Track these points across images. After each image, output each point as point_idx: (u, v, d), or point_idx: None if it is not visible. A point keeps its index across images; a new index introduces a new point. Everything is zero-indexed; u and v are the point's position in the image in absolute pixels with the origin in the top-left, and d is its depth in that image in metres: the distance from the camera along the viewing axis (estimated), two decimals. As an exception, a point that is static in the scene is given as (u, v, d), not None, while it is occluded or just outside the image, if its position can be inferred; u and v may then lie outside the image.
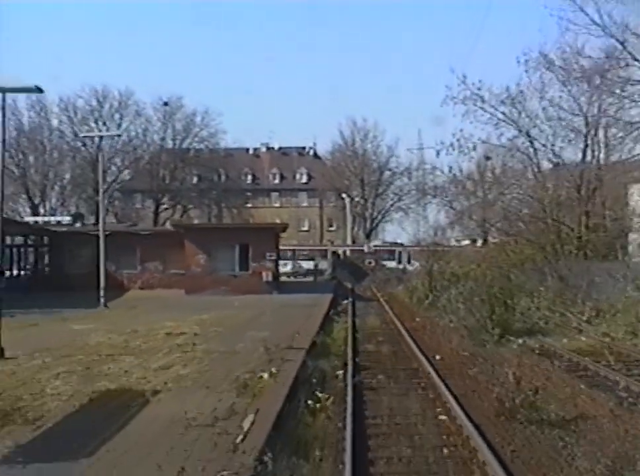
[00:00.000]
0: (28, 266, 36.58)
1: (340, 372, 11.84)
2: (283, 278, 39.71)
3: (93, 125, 63.06)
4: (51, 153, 64.55)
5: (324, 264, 51.68)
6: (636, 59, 22.32)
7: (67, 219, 46.01)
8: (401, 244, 58.54)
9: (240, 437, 7.06)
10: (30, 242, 36.64)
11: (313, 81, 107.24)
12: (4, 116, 13.01)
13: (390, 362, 13.96)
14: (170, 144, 64.93)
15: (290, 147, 79.83)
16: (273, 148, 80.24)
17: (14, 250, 34.85)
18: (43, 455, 6.57)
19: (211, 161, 64.97)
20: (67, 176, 66.45)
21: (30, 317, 19.47)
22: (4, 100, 12.41)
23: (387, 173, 70.11)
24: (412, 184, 67.19)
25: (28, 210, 63.28)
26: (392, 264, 53.74)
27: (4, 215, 15.61)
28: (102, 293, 23.87)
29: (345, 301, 28.61)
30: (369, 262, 51.76)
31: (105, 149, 63.08)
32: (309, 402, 9.30)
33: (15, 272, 34.14)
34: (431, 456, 7.54)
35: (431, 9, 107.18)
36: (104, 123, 63.50)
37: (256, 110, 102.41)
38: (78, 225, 41.91)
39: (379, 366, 13.28)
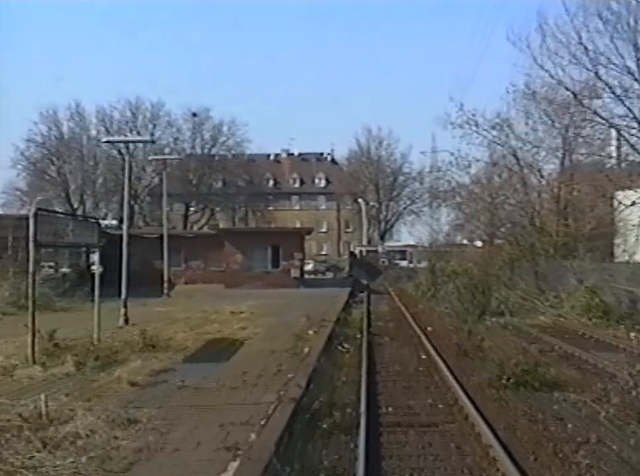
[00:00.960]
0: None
1: (358, 335, 17.56)
2: (305, 276, 45.47)
3: (128, 134, 69.23)
4: (88, 160, 70.68)
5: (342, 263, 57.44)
6: (598, 97, 27.76)
7: (113, 222, 52.04)
8: (413, 246, 64.08)
9: (304, 356, 12.83)
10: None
11: (330, 89, 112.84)
12: (130, 169, 18.77)
13: (394, 331, 19.70)
14: (198, 152, 70.78)
15: (309, 153, 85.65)
16: (293, 154, 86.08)
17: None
18: (200, 362, 12.34)
19: (236, 167, 70.92)
20: (101, 181, 72.33)
21: (116, 303, 25.30)
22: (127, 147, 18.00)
23: (401, 178, 75.71)
24: (423, 189, 72.66)
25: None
26: (404, 263, 59.50)
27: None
28: (165, 285, 29.79)
29: (361, 294, 34.28)
30: (383, 262, 57.33)
31: (139, 157, 69.77)
32: (339, 348, 15.04)
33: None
34: (412, 370, 13.27)
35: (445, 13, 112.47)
36: (138, 133, 69.60)
37: (277, 117, 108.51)
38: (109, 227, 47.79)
39: (386, 333, 19.02)
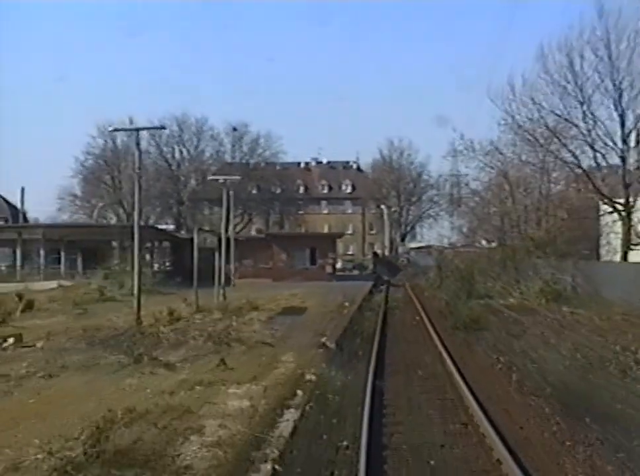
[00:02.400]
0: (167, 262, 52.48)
1: (377, 308, 26.85)
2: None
3: (175, 147, 79.40)
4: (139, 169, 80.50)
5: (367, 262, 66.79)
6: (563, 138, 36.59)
7: (171, 227, 61.80)
8: (429, 246, 73.09)
9: (345, 314, 22.18)
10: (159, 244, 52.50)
11: (356, 101, 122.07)
12: (140, 153, 28.22)
13: (402, 307, 29.02)
14: (237, 161, 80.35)
15: (336, 161, 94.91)
16: (322, 162, 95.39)
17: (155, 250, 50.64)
18: (287, 315, 21.72)
19: (270, 175, 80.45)
20: (145, 187, 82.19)
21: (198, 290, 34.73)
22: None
23: (420, 185, 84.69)
24: (441, 195, 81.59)
25: (124, 218, 79.50)
26: (430, 261, 68.67)
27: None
28: (232, 277, 39.33)
29: (381, 286, 43.52)
30: (402, 261, 66.57)
31: (186, 165, 79.95)
32: (366, 313, 24.38)
33: (156, 267, 49.95)
34: (409, 324, 22.54)
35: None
36: (184, 145, 79.62)
37: (306, 128, 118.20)
38: (183, 231, 57.71)
39: (397, 308, 28.35)
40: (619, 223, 34.50)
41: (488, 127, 59.09)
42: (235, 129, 79.90)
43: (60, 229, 47.70)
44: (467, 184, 46.43)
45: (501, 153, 40.86)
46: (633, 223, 32.52)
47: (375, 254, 68.89)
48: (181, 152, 79.98)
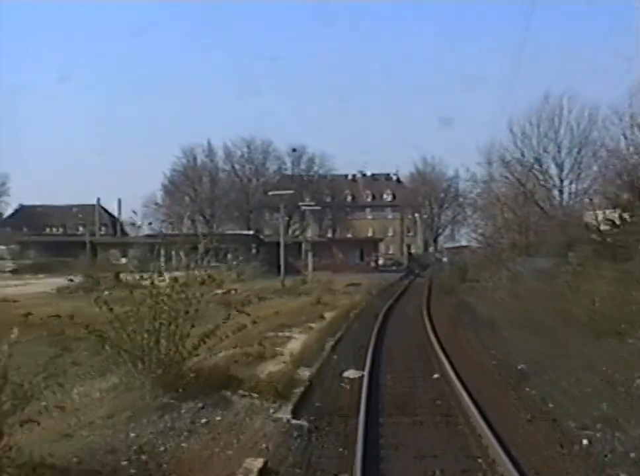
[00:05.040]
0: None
1: (403, 285, 45.59)
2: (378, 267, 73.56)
3: (245, 165, 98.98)
4: (215, 183, 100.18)
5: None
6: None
7: (250, 232, 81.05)
8: (464, 247, 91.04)
9: (381, 286, 41.10)
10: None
11: (397, 119, 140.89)
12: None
13: (419, 286, 47.69)
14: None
15: (379, 174, 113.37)
16: (366, 175, 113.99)
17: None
18: (350, 286, 40.62)
19: (323, 186, 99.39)
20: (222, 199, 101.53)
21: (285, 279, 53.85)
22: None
23: (449, 195, 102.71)
24: (465, 204, 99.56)
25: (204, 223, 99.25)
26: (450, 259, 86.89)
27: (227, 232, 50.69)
28: (309, 271, 58.22)
29: (411, 277, 62.10)
30: (432, 258, 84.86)
31: (253, 180, 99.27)
32: (394, 287, 43.20)
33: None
34: (419, 292, 41.23)
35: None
36: (253, 163, 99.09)
37: (353, 143, 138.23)
38: (262, 236, 76.87)
39: (416, 286, 47.04)
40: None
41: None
42: (294, 150, 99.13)
43: (190, 237, 67.31)
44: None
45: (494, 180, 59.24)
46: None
47: (409, 253, 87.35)
48: (250, 169, 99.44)
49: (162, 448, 7.48)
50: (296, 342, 16.45)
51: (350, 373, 12.97)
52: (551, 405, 10.26)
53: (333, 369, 13.64)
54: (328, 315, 24.18)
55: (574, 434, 8.67)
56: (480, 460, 7.99)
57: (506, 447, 8.09)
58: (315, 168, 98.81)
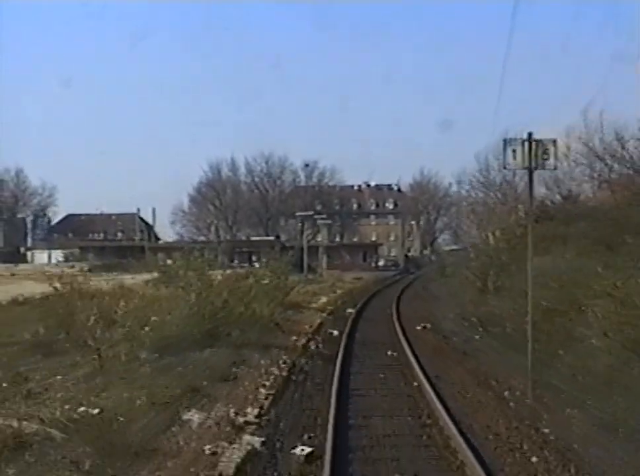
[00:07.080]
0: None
1: (397, 279, 61.05)
2: (379, 267, 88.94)
3: (264, 178, 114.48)
4: (237, 195, 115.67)
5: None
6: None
7: (271, 238, 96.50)
8: (454, 249, 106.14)
9: (380, 280, 56.61)
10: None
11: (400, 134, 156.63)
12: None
13: (408, 280, 63.18)
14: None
15: (382, 184, 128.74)
16: (370, 185, 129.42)
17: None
18: (355, 280, 56.11)
19: (332, 196, 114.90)
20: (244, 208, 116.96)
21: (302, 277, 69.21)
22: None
23: (445, 203, 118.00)
24: (460, 212, 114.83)
25: (227, 230, 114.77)
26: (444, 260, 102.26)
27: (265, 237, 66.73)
28: (322, 270, 73.52)
29: (405, 274, 77.43)
30: (426, 260, 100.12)
31: (270, 192, 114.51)
32: (388, 281, 58.71)
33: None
34: (407, 282, 56.68)
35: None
36: (271, 176, 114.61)
37: (358, 156, 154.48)
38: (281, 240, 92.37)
39: (401, 281, 62.57)
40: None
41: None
42: (307, 165, 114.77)
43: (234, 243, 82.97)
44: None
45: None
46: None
47: (406, 255, 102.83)
48: (268, 181, 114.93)
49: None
50: (324, 299, 32.79)
51: (350, 310, 28.60)
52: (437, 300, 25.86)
53: (342, 308, 29.55)
54: (339, 292, 39.94)
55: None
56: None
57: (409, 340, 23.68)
58: (326, 180, 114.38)
